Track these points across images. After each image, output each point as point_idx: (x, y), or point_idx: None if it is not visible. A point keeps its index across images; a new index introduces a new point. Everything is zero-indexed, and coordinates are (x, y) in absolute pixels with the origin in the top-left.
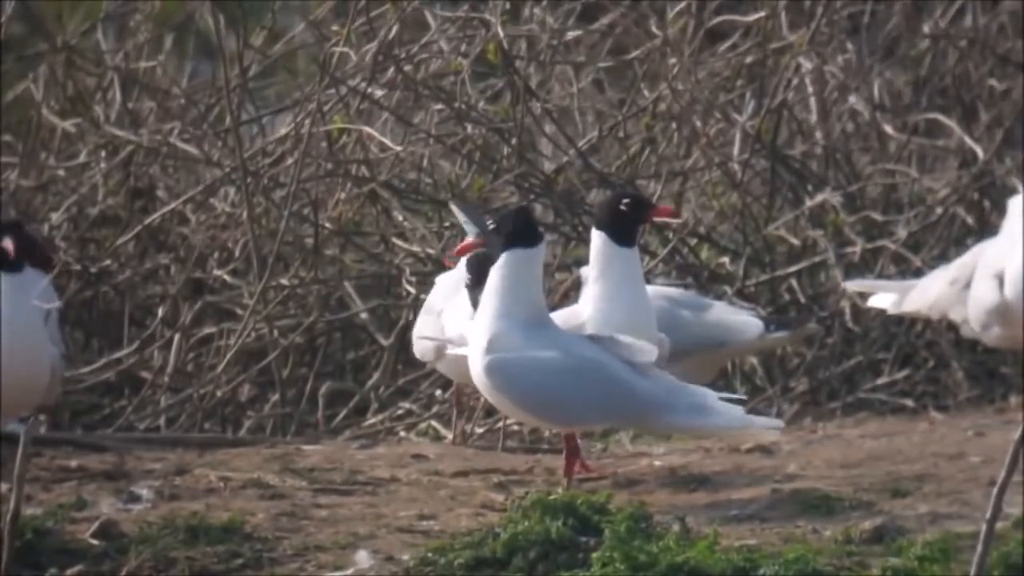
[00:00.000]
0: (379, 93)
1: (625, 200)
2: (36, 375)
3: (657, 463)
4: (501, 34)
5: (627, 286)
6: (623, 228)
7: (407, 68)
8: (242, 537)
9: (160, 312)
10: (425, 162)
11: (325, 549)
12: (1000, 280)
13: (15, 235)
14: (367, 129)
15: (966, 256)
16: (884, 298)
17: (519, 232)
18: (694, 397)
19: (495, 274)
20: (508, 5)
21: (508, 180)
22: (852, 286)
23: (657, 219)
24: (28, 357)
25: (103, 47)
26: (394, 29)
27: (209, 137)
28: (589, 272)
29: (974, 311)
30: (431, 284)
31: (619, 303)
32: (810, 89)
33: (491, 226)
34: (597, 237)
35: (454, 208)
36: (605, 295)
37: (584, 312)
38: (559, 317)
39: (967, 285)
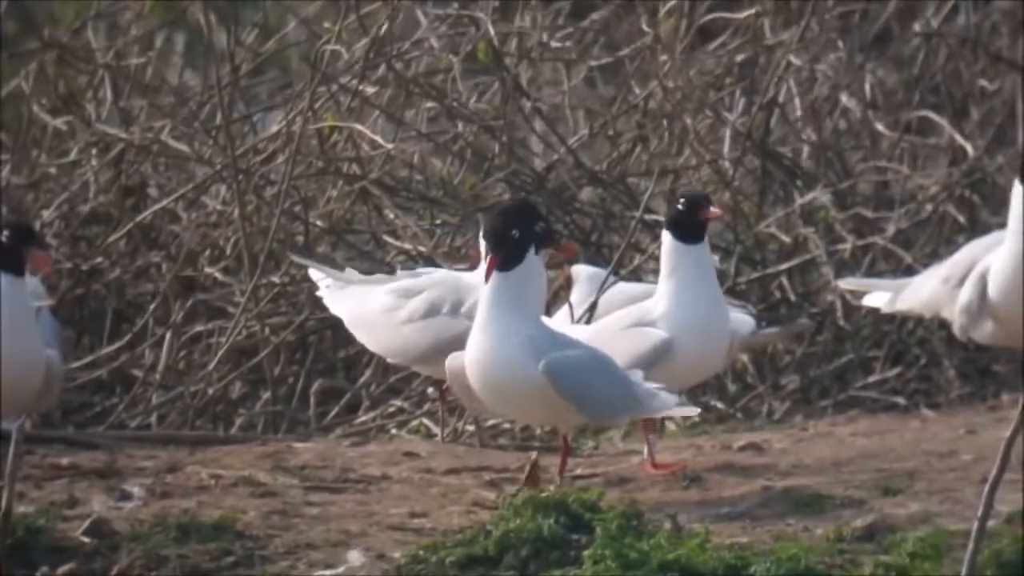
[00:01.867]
0: (370, 91)
1: (682, 199)
2: (29, 375)
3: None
4: (492, 31)
5: (698, 282)
6: (685, 226)
7: (398, 66)
8: (233, 535)
9: (151, 310)
10: (416, 159)
11: (316, 547)
12: (984, 278)
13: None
14: (358, 127)
15: (958, 254)
16: (878, 297)
17: (544, 236)
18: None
19: (519, 280)
20: (498, 3)
21: (499, 178)
22: (845, 284)
23: (707, 219)
24: (20, 356)
25: (94, 45)
26: (385, 27)
27: (200, 135)
28: (660, 270)
29: (960, 308)
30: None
31: (691, 299)
32: (801, 87)
33: (515, 233)
34: (664, 236)
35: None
36: (676, 292)
37: (656, 310)
38: (631, 315)
39: (959, 283)
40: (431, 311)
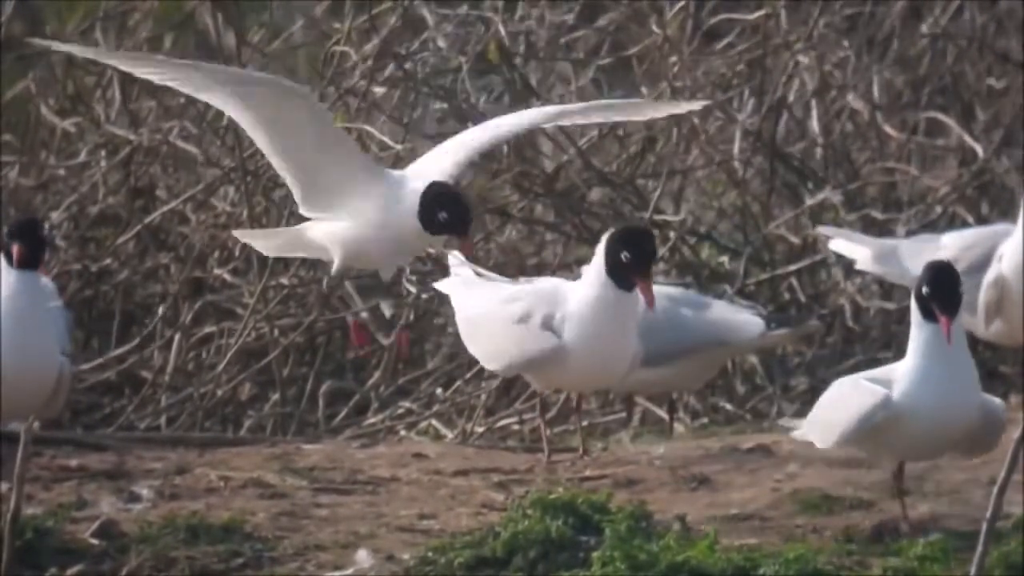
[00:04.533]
0: (379, 91)
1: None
2: (39, 377)
3: (657, 463)
4: (502, 31)
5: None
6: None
7: (407, 66)
8: (242, 536)
9: (160, 311)
10: None
11: (325, 548)
12: (999, 259)
13: (29, 236)
14: (367, 128)
15: (965, 238)
16: (854, 249)
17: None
18: None
19: None
20: (503, 3)
21: (507, 179)
22: (823, 231)
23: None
24: (31, 357)
25: (102, 46)
26: (394, 27)
27: (208, 136)
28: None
29: (981, 304)
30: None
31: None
32: (809, 87)
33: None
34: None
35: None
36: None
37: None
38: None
39: (968, 271)
40: (522, 319)
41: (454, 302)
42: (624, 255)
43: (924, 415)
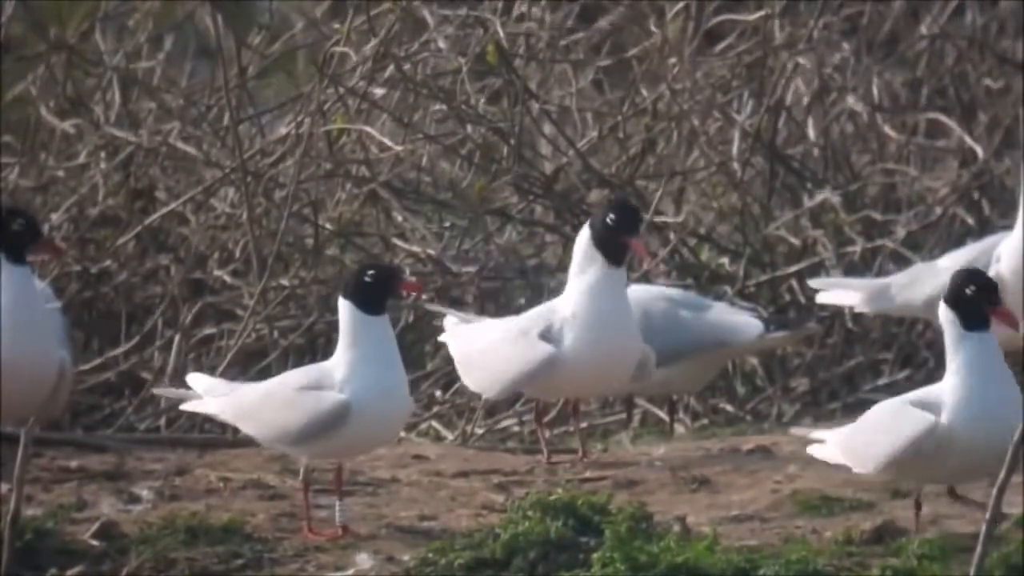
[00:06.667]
0: (379, 92)
1: (370, 271)
2: (39, 374)
3: (657, 464)
4: (501, 33)
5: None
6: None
7: (406, 67)
8: (242, 538)
9: (160, 313)
10: (425, 162)
11: (325, 550)
12: (997, 259)
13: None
14: (367, 129)
15: (965, 252)
16: (847, 296)
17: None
18: None
19: None
20: (503, 4)
21: (507, 181)
22: (813, 284)
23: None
24: (31, 352)
25: (102, 48)
26: (394, 28)
27: (208, 137)
28: (340, 339)
29: None
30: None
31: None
32: (809, 89)
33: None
34: (344, 305)
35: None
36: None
37: (337, 373)
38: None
39: None
40: (521, 333)
41: (452, 347)
42: (610, 218)
43: (977, 438)
